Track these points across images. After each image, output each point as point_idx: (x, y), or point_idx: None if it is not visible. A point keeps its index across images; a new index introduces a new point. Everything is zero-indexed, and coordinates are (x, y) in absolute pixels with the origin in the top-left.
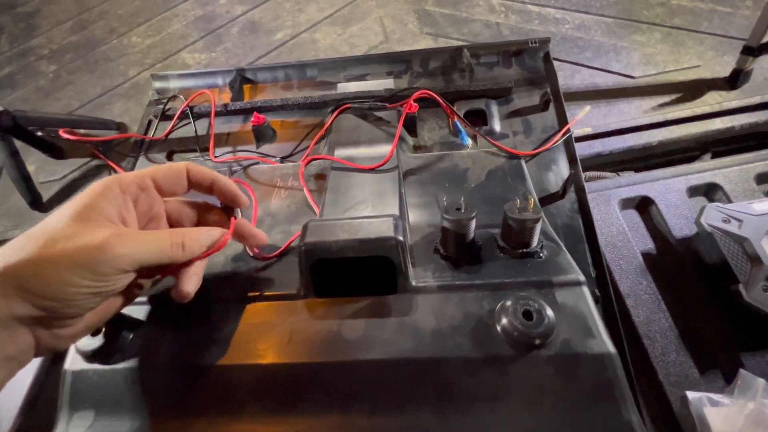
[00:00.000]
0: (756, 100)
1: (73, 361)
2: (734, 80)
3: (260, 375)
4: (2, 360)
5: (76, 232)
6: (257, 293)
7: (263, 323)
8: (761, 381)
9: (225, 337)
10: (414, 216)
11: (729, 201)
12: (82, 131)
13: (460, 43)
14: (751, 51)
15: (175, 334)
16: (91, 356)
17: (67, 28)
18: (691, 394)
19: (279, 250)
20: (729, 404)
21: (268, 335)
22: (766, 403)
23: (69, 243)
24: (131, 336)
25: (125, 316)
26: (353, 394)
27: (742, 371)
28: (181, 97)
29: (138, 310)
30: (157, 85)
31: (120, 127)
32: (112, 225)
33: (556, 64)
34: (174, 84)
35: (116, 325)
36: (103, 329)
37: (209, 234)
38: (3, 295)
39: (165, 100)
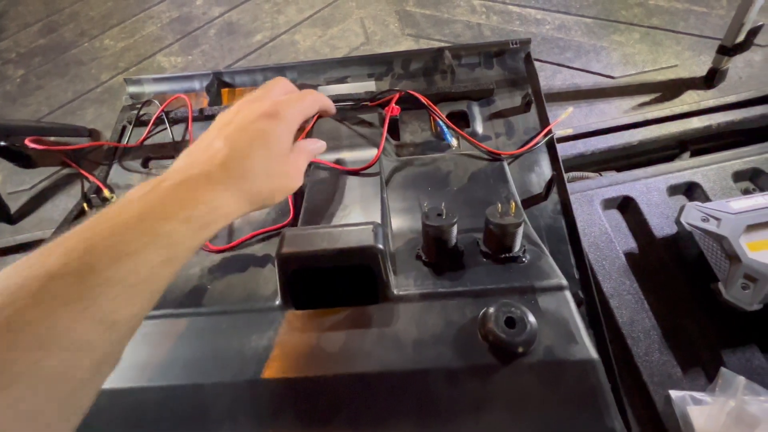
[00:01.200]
0: (732, 98)
1: None
2: (711, 79)
3: (237, 391)
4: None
5: (291, 164)
6: (235, 306)
7: (241, 337)
8: (741, 379)
9: (201, 352)
10: (396, 222)
11: (708, 199)
12: (52, 138)
13: (442, 44)
14: (726, 50)
15: (147, 350)
16: None
17: (36, 31)
18: (674, 393)
19: (235, 242)
20: (711, 402)
21: (246, 350)
22: (747, 400)
23: (291, 180)
24: None
25: None
26: (334, 410)
27: (722, 369)
28: (156, 102)
29: None
30: (131, 89)
31: (92, 133)
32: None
33: (537, 64)
34: (149, 88)
35: None
36: None
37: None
38: (239, 207)
39: (139, 106)
